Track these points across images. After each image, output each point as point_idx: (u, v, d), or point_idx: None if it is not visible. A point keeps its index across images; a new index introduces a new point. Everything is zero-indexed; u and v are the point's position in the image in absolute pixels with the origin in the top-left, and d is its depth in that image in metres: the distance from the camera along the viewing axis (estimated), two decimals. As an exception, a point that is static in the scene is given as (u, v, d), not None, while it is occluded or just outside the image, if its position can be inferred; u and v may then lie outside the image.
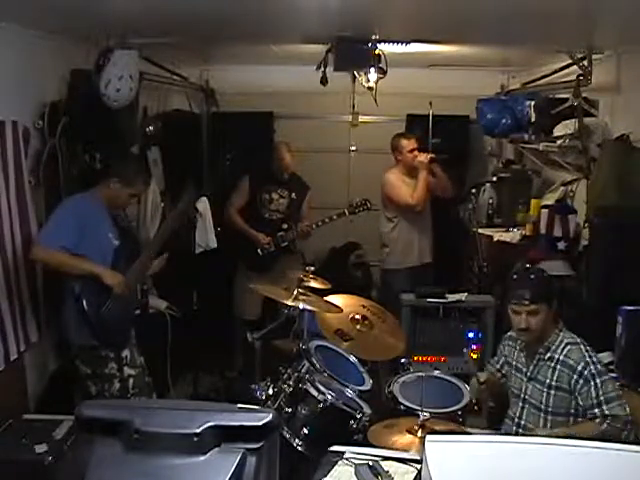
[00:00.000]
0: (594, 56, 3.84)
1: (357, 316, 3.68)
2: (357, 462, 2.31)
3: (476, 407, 3.20)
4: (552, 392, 2.87)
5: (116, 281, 3.34)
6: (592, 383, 2.76)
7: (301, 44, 4.23)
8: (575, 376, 2.80)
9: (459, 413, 3.13)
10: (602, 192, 3.63)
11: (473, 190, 5.29)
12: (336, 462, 2.34)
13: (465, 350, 4.34)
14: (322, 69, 4.06)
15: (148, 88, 4.57)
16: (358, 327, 3.63)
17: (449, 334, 4.47)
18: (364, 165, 6.29)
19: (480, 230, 5.00)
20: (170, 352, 3.93)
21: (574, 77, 3.95)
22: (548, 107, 4.25)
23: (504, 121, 4.79)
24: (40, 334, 3.49)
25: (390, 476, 2.22)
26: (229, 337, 5.25)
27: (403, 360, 3.62)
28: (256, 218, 5.10)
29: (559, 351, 2.88)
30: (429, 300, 4.46)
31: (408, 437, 2.75)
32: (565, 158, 4.25)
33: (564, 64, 4.27)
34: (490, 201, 5.27)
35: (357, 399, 3.26)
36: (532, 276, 3.01)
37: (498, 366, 3.22)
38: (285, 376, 3.23)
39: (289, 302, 3.38)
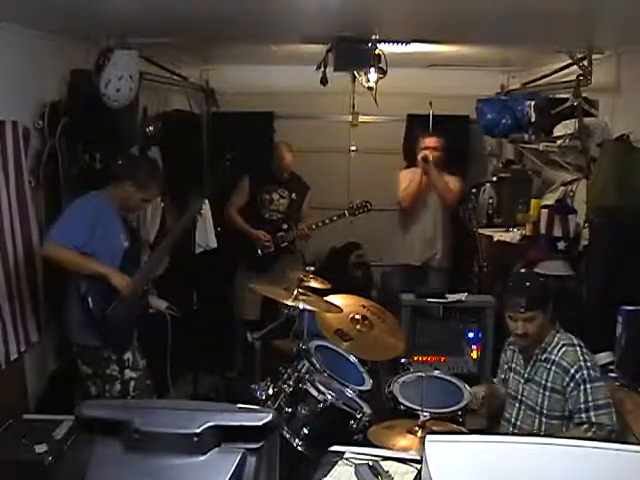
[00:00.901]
0: (594, 56, 3.84)
1: (357, 316, 3.67)
2: (357, 462, 2.31)
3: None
4: (547, 394, 2.88)
5: (124, 283, 3.34)
6: (582, 387, 2.77)
7: (301, 44, 4.23)
8: (567, 378, 2.81)
9: (459, 413, 3.13)
10: (602, 192, 3.63)
11: (473, 190, 5.30)
12: (336, 462, 2.34)
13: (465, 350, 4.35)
14: (322, 69, 4.06)
15: (148, 88, 4.56)
16: (358, 327, 3.63)
17: (449, 334, 4.47)
18: (364, 165, 6.29)
19: (480, 230, 5.00)
20: (170, 352, 3.92)
21: (574, 77, 3.94)
22: (548, 107, 4.25)
23: (504, 121, 4.78)
24: (40, 334, 3.48)
25: (390, 476, 2.22)
26: (229, 337, 5.25)
27: (403, 360, 3.61)
28: (256, 218, 5.10)
29: (555, 352, 2.89)
30: (429, 300, 4.47)
31: (408, 437, 2.75)
32: (565, 158, 4.25)
33: (564, 64, 4.27)
34: (490, 201, 5.27)
35: (357, 399, 3.25)
36: (527, 283, 3.01)
37: (502, 376, 3.23)
38: (285, 376, 3.23)
39: (289, 302, 3.37)
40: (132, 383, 3.49)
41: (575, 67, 3.94)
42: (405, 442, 2.71)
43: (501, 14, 2.94)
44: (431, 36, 3.86)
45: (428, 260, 5.18)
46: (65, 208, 3.43)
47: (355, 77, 4.68)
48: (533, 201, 4.69)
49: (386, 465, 2.29)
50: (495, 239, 4.83)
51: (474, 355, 4.45)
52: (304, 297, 3.40)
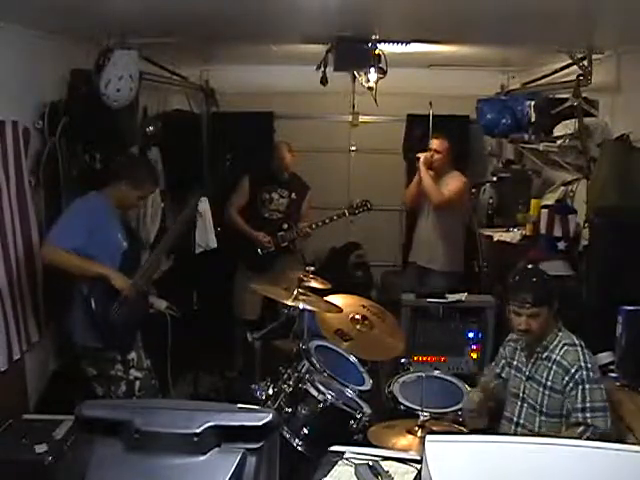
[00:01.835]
0: (594, 56, 3.83)
1: (357, 316, 3.68)
2: (357, 462, 2.31)
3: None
4: (547, 393, 2.88)
5: (125, 284, 3.34)
6: (580, 387, 2.77)
7: (301, 44, 4.23)
8: (567, 378, 2.81)
9: (459, 413, 3.13)
10: (602, 192, 3.63)
11: (473, 190, 5.29)
12: (336, 462, 2.34)
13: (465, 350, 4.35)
14: (322, 69, 4.06)
15: (148, 88, 4.56)
16: (358, 327, 3.63)
17: (449, 334, 4.47)
18: (364, 165, 6.30)
19: (480, 230, 5.00)
20: (170, 352, 3.92)
21: (574, 77, 3.94)
22: (548, 107, 4.25)
23: (504, 121, 4.78)
24: (40, 334, 3.48)
25: (390, 476, 2.22)
26: (229, 337, 5.24)
27: (403, 360, 3.62)
28: (256, 218, 5.10)
29: (556, 351, 2.89)
30: (429, 300, 4.47)
31: (408, 437, 2.75)
32: (565, 158, 4.25)
33: (564, 64, 4.26)
34: (490, 201, 5.27)
35: (357, 399, 3.25)
36: (534, 279, 3.01)
37: (498, 370, 3.21)
38: (285, 376, 3.23)
39: (289, 302, 3.38)
40: (137, 383, 3.50)
41: (575, 67, 3.94)
42: (405, 442, 2.72)
43: (501, 14, 2.94)
44: (431, 36, 3.86)
45: (428, 262, 5.15)
46: (65, 208, 3.43)
47: (355, 77, 4.69)
48: (533, 201, 4.69)
49: (386, 465, 2.29)
50: (495, 239, 4.83)
51: (474, 355, 4.45)
52: (304, 297, 3.40)
